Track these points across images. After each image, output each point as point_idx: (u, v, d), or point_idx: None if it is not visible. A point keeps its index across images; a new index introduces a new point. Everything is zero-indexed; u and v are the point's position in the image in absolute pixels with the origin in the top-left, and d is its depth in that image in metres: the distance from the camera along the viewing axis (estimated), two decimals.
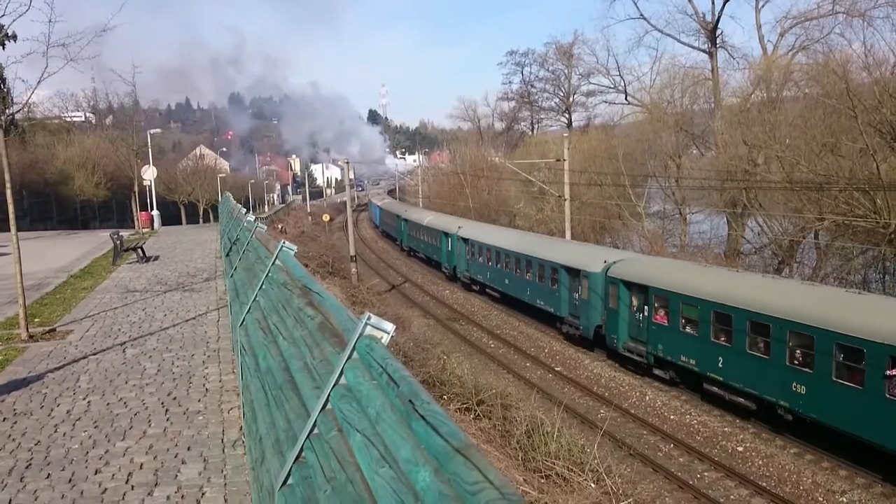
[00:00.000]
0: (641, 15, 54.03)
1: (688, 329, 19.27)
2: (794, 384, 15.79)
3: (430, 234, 43.41)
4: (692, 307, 19.07)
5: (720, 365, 17.99)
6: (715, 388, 18.43)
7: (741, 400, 17.58)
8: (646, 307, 20.93)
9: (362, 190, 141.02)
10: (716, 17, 47.72)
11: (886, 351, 13.63)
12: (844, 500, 14.29)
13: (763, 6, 45.86)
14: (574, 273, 25.03)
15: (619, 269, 22.62)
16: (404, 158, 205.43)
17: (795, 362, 15.89)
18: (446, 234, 39.75)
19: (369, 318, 2.76)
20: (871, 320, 14.28)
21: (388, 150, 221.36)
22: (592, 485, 13.43)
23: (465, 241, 36.03)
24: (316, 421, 2.94)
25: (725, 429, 17.78)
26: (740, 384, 17.37)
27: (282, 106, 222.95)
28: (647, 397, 20.33)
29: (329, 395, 2.86)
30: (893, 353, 13.53)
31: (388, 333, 2.77)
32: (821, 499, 14.49)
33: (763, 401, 16.87)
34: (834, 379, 14.79)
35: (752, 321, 16.91)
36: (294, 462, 3.06)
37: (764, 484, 15.11)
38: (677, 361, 19.68)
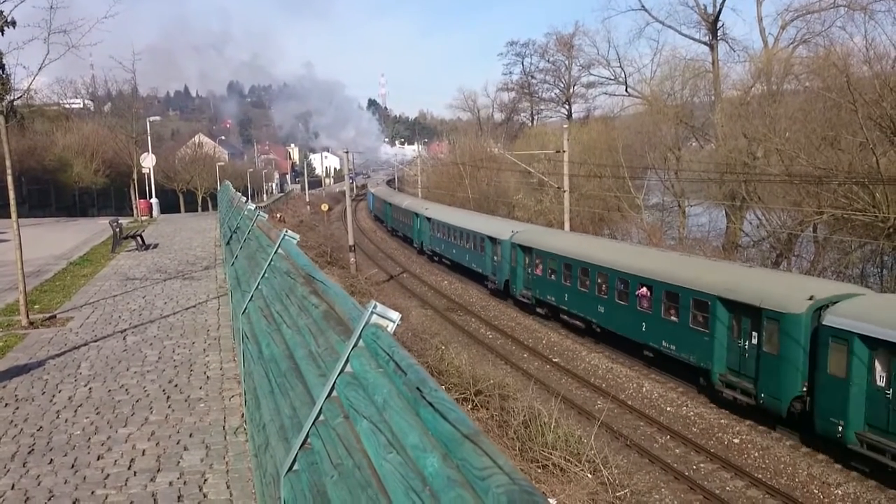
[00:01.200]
0: (643, 6, 53.77)
1: (551, 277, 26.50)
2: (599, 307, 23.39)
3: (405, 215, 51.29)
4: (553, 261, 26.38)
5: (566, 299, 25.53)
6: (564, 316, 25.99)
7: (577, 322, 25.09)
8: (528, 262, 28.48)
9: (352, 182, 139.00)
10: (717, 10, 47.68)
11: (638, 279, 21.23)
12: (839, 492, 14.39)
13: None
14: (493, 240, 32.03)
15: (518, 237, 29.65)
16: (402, 147, 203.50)
17: (600, 293, 23.35)
18: (416, 215, 46.38)
19: (375, 307, 2.80)
20: (636, 262, 21.96)
21: (386, 139, 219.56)
22: (589, 475, 13.51)
23: (429, 220, 41.84)
24: (322, 408, 2.97)
25: (722, 421, 17.87)
26: (576, 310, 24.91)
27: (277, 93, 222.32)
28: (644, 388, 20.42)
29: (335, 382, 2.89)
30: (643, 281, 20.94)
31: (394, 322, 2.80)
32: (816, 491, 14.58)
33: (587, 321, 24.26)
34: (617, 301, 22.37)
35: (581, 268, 24.39)
36: (300, 448, 3.10)
37: (759, 476, 15.20)
38: (546, 300, 27.02)
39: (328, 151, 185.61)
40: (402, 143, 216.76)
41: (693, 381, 19.59)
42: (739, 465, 15.74)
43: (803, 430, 16.18)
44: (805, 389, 15.70)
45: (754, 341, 17.11)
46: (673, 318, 19.73)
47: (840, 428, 14.61)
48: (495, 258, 31.91)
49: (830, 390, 14.89)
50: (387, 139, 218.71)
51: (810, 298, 16.01)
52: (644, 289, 20.93)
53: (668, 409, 19.08)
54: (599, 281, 23.36)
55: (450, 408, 1.96)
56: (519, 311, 30.00)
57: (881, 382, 14.03)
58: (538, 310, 28.12)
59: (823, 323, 15.19)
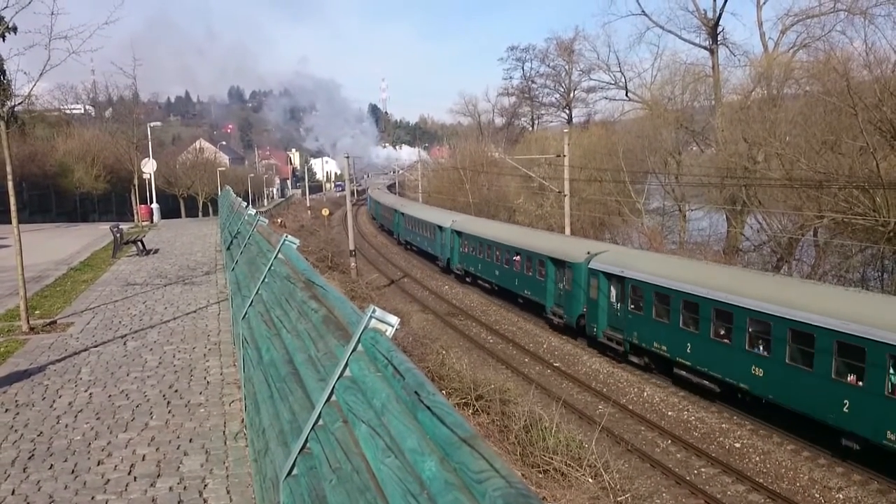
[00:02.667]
0: (643, 11, 53.89)
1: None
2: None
3: (389, 212, 56.70)
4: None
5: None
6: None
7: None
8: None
9: (342, 190, 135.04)
10: (717, 14, 47.71)
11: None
12: (841, 496, 14.36)
13: (765, 3, 46.08)
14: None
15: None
16: (399, 150, 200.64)
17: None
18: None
19: (374, 311, 2.80)
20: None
21: (383, 143, 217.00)
22: (590, 480, 13.49)
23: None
24: (321, 412, 2.98)
25: (723, 425, 17.85)
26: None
27: (277, 98, 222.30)
28: (646, 393, 20.40)
29: (334, 386, 2.89)
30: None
31: (393, 326, 2.80)
32: (817, 495, 14.56)
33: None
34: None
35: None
36: (299, 453, 3.10)
37: (761, 480, 15.18)
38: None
39: (329, 157, 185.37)
40: (398, 146, 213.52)
41: (540, 315, 27.92)
42: (740, 469, 15.71)
43: (582, 335, 25.01)
44: (585, 309, 24.25)
45: (562, 283, 25.88)
46: (528, 272, 28.71)
47: (595, 329, 23.59)
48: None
49: (592, 307, 23.73)
50: (386, 144, 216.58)
51: (588, 253, 24.39)
52: (517, 256, 29.51)
53: (670, 413, 19.05)
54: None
55: (447, 411, 1.96)
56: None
57: (613, 300, 22.78)
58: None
59: (589, 267, 23.75)
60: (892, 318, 14.07)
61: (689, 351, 19.16)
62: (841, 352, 14.69)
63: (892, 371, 13.75)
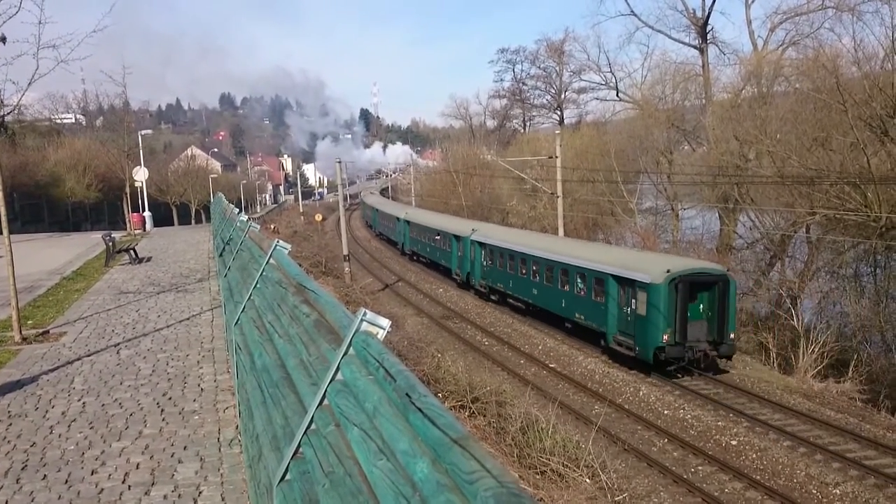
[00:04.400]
0: (632, 11, 54.37)
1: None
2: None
3: (389, 220, 58.46)
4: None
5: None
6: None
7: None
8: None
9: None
10: (706, 13, 48.01)
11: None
12: (838, 491, 14.39)
13: (753, 2, 46.25)
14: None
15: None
16: (385, 149, 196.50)
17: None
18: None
19: (365, 315, 2.79)
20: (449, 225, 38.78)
21: (366, 141, 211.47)
22: (587, 480, 13.49)
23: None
24: (313, 417, 2.96)
25: (719, 423, 17.87)
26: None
27: (269, 105, 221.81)
28: (641, 392, 20.41)
29: (326, 390, 2.88)
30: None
31: (384, 329, 2.79)
32: (814, 491, 14.58)
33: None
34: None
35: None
36: (292, 458, 3.09)
37: (758, 477, 15.20)
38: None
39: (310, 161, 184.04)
40: (386, 145, 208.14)
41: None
42: (738, 466, 15.73)
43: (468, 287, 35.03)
44: (470, 268, 34.67)
45: (459, 252, 36.58)
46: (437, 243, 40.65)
47: (473, 280, 34.21)
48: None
49: (472, 266, 34.32)
50: (369, 144, 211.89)
51: (473, 230, 34.67)
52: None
53: (666, 412, 19.07)
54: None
55: (439, 413, 1.95)
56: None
57: (482, 259, 32.91)
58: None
59: (470, 239, 34.25)
60: (595, 256, 24.22)
61: (511, 286, 29.94)
62: (585, 280, 24.06)
63: (578, 281, 24.39)
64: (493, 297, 32.48)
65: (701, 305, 21.05)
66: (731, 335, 20.85)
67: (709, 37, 48.40)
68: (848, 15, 37.24)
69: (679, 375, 21.03)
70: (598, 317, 23.01)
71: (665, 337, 20.16)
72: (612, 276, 22.27)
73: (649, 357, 20.58)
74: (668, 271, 20.31)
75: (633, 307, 21.22)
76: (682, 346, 20.26)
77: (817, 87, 31.34)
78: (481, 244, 33.10)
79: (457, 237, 36.79)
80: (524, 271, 28.51)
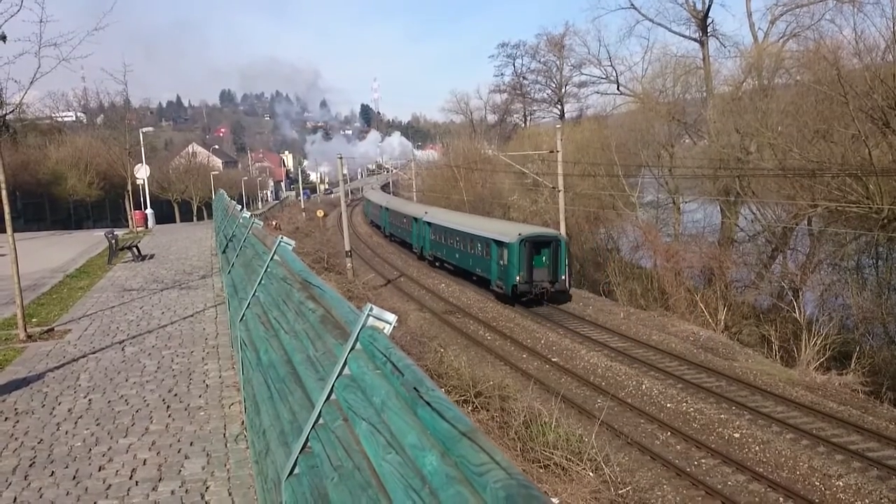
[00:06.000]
0: (632, 4, 53.85)
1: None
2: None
3: (377, 209, 65.93)
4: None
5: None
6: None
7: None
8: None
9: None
10: (706, 6, 47.78)
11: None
12: (840, 483, 14.43)
13: None
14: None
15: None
16: (381, 140, 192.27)
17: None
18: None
19: (371, 310, 2.82)
20: (408, 208, 52.35)
21: (363, 134, 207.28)
22: (591, 473, 13.54)
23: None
24: (321, 411, 3.00)
25: (722, 416, 17.91)
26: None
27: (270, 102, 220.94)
28: (644, 386, 20.45)
29: (333, 385, 2.91)
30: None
31: (390, 324, 2.83)
32: (817, 483, 14.62)
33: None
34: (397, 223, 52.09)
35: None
36: (300, 452, 3.12)
37: (761, 469, 15.24)
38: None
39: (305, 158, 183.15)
40: (383, 136, 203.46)
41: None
42: (740, 459, 15.77)
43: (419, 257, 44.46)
44: (423, 243, 43.56)
45: (418, 230, 44.87)
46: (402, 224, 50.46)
47: (424, 252, 43.63)
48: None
49: (426, 241, 42.89)
50: (365, 136, 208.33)
51: (426, 213, 43.39)
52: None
53: (668, 405, 19.11)
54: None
55: (447, 406, 1.98)
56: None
57: (430, 235, 41.90)
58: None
59: (423, 220, 42.84)
60: (485, 227, 33.98)
61: (445, 253, 38.86)
62: (480, 244, 33.22)
63: (478, 245, 33.42)
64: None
65: (543, 258, 29.83)
66: (563, 277, 30.01)
67: (709, 29, 48.23)
68: (849, 6, 37.12)
69: (532, 306, 29.90)
70: (486, 269, 32.46)
71: (518, 278, 29.23)
72: (493, 240, 31.37)
73: (509, 292, 29.89)
74: (520, 234, 29.53)
75: (503, 260, 30.11)
76: (530, 283, 29.38)
77: (818, 79, 31.25)
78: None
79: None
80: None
